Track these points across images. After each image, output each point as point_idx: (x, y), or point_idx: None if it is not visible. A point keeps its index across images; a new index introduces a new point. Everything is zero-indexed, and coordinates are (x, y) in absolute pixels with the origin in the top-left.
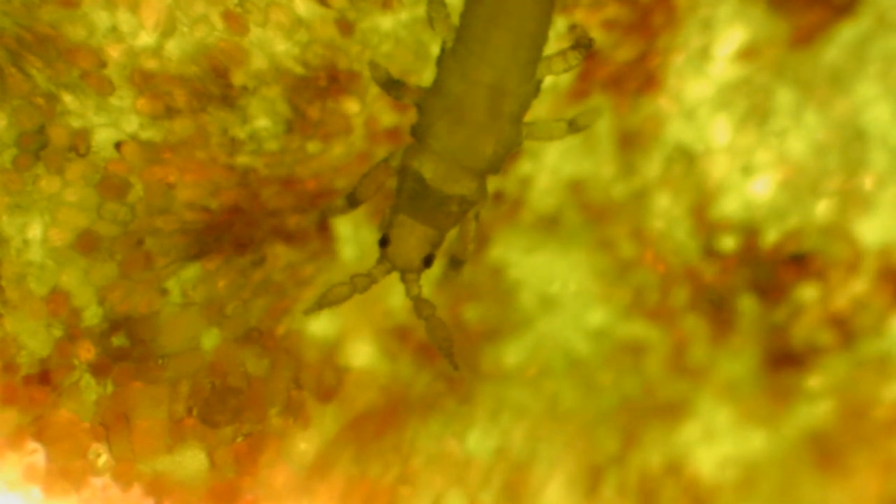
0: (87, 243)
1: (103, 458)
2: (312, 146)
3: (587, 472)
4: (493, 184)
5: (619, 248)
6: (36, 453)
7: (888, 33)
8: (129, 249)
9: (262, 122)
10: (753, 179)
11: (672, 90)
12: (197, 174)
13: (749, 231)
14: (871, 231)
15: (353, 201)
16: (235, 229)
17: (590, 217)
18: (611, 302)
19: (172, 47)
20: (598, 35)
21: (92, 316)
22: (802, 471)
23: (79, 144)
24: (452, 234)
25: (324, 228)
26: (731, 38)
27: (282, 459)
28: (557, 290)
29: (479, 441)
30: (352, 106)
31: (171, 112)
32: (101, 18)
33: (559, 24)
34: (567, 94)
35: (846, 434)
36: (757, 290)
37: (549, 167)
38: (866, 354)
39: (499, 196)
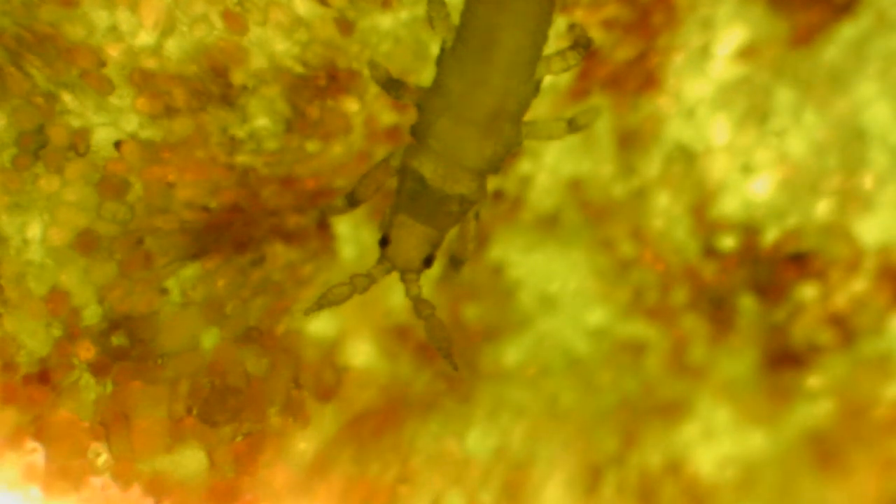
0: (86, 243)
1: (103, 458)
2: (312, 145)
3: (586, 472)
4: (492, 183)
5: (619, 247)
6: (35, 452)
7: (888, 32)
8: (129, 249)
9: (261, 122)
10: (753, 179)
11: (672, 89)
12: (196, 173)
13: (749, 230)
14: (870, 230)
15: (352, 201)
16: (235, 229)
17: (589, 216)
18: (610, 301)
19: (172, 46)
20: (597, 34)
21: (91, 315)
22: (802, 470)
23: (78, 144)
24: (452, 233)
25: (323, 228)
26: (730, 37)
27: (281, 459)
28: (557, 290)
29: (478, 440)
30: (351, 105)
31: (170, 111)
32: (101, 18)
33: (559, 23)
34: (567, 93)
35: (846, 434)
36: (757, 289)
37: (549, 166)
38: (866, 354)
39: (498, 195)
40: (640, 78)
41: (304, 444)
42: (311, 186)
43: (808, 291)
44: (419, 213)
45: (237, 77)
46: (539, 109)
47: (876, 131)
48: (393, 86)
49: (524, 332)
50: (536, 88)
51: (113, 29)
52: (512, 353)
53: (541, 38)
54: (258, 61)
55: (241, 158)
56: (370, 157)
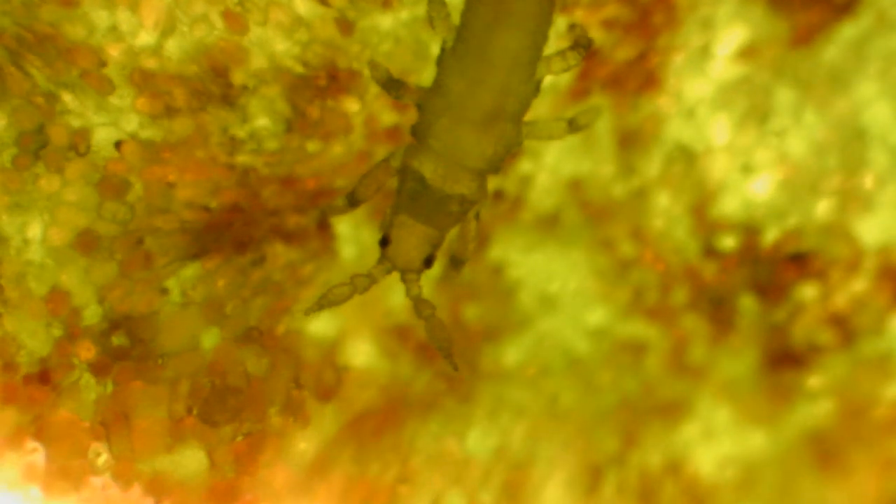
0: (86, 242)
1: (103, 458)
2: (312, 145)
3: (587, 472)
4: (492, 183)
5: (619, 247)
6: (35, 452)
7: (888, 32)
8: (129, 249)
9: (261, 122)
10: (753, 179)
11: (672, 89)
12: (196, 173)
13: (749, 230)
14: (871, 230)
15: (353, 201)
16: (235, 228)
17: (589, 216)
18: (610, 301)
19: (172, 46)
20: (597, 34)
21: (92, 315)
22: (802, 470)
23: (78, 144)
24: (453, 233)
25: (324, 228)
26: (730, 37)
27: (281, 459)
28: (557, 290)
29: (478, 440)
30: (352, 105)
31: (170, 111)
32: (101, 18)
33: (559, 23)
34: (567, 93)
35: (846, 433)
36: (757, 289)
37: (549, 166)
38: (866, 354)
39: (499, 195)
40: (641, 78)
41: (304, 444)
42: (311, 186)
43: (808, 291)
44: (419, 213)
45: (237, 77)
46: (539, 109)
47: (876, 131)
48: (393, 86)
49: (524, 332)
50: (537, 88)
51: (113, 29)
52: (512, 353)
53: (541, 38)
54: (258, 61)
55: (242, 158)
56: (370, 157)
